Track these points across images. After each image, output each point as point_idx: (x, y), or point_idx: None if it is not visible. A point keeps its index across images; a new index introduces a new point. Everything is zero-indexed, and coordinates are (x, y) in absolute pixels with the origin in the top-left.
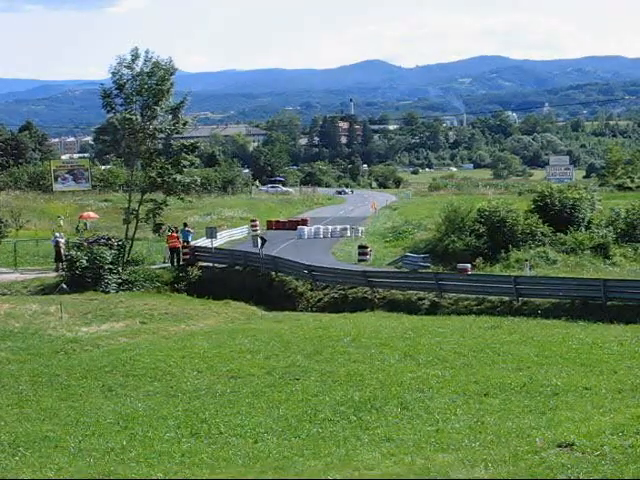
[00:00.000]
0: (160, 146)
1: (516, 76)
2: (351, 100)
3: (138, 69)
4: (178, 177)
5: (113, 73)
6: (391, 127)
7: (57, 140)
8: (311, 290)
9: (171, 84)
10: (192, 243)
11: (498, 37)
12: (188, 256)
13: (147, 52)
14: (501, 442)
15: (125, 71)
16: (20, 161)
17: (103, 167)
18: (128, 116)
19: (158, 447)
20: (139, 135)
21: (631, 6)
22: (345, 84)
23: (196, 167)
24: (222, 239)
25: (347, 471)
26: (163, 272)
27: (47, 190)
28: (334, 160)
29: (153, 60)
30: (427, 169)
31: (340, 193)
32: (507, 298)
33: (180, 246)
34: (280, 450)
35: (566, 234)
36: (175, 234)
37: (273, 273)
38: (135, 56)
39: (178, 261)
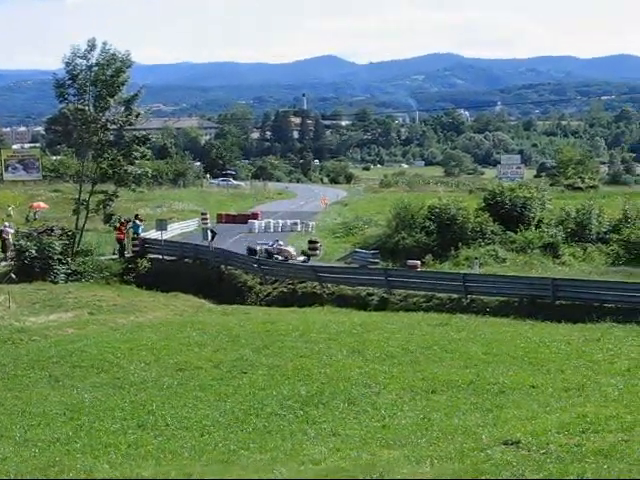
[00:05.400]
0: (112, 137)
1: (469, 74)
2: (304, 95)
3: (94, 60)
4: (129, 168)
5: (67, 63)
6: (343, 123)
7: (8, 130)
8: (260, 284)
9: (127, 77)
10: (142, 235)
11: (452, 35)
12: (138, 248)
13: (105, 43)
14: (447, 439)
15: (79, 61)
16: None
17: (54, 157)
18: (80, 107)
19: (104, 438)
20: (91, 126)
21: (584, 7)
22: (298, 79)
23: (148, 159)
24: (172, 231)
25: (293, 465)
26: (112, 263)
27: None
28: (286, 155)
29: (110, 52)
30: (379, 165)
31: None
32: (456, 295)
33: (124, 238)
34: (226, 443)
35: (516, 233)
36: (123, 226)
37: (223, 266)
38: (92, 47)
39: (122, 253)
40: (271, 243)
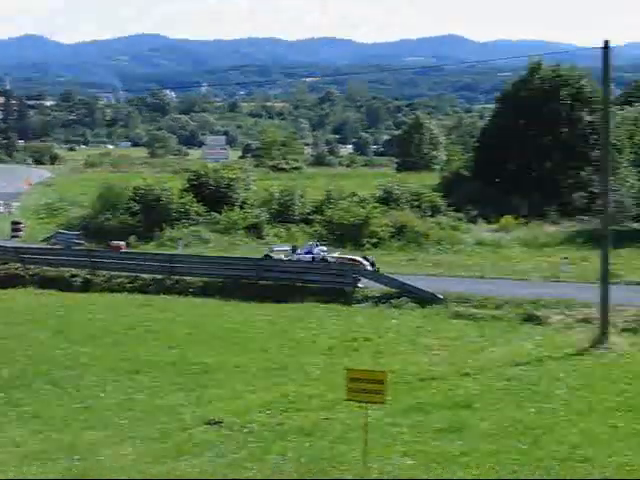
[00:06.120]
0: None
1: (175, 55)
2: (6, 74)
3: None
4: None
5: None
6: (48, 103)
7: None
8: None
9: None
10: None
11: (157, 15)
12: None
13: None
14: (150, 419)
15: None
16: None
17: None
18: None
19: None
20: None
21: None
22: (1, 59)
23: None
24: None
25: None
26: None
27: None
28: None
29: None
30: (83, 146)
31: None
32: (160, 276)
33: None
34: None
35: (220, 214)
36: None
37: None
38: None
39: None
40: (306, 250)
